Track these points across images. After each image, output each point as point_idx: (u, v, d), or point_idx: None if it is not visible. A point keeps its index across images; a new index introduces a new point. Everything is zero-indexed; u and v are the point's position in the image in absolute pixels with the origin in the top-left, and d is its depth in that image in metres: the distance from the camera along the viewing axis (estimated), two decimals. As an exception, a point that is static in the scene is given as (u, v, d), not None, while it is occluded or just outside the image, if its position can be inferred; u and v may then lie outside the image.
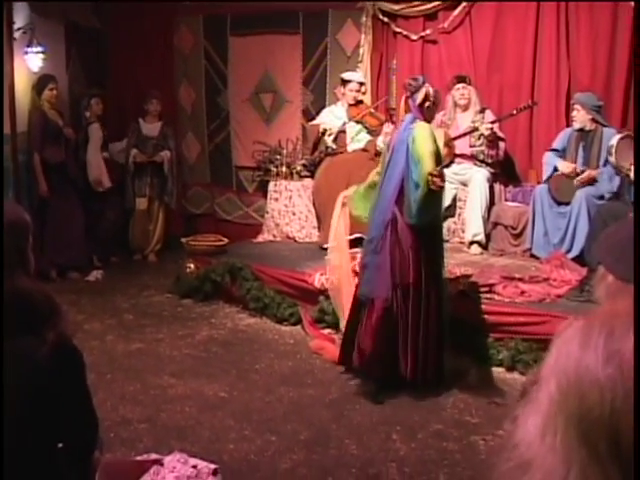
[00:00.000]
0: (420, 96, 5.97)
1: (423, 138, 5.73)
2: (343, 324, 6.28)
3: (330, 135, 8.69)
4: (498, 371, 6.30)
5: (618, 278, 1.74)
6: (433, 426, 5.27)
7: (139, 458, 2.76)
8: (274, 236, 9.39)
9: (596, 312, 1.09)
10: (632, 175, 6.42)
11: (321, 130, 8.74)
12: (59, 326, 2.47)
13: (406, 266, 5.75)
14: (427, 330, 5.81)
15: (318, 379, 6.11)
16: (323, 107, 9.66)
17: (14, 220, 2.49)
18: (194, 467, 2.66)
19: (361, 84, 8.83)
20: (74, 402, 2.55)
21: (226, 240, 8.74)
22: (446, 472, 4.65)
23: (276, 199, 9.44)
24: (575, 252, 7.63)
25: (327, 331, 7.14)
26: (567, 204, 7.73)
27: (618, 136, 6.72)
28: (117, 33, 10.49)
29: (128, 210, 9.97)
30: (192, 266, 8.38)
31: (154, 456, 2.73)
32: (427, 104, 5.98)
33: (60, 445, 2.57)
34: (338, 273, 6.91)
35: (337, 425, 5.28)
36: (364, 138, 8.78)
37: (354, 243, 8.20)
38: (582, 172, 7.72)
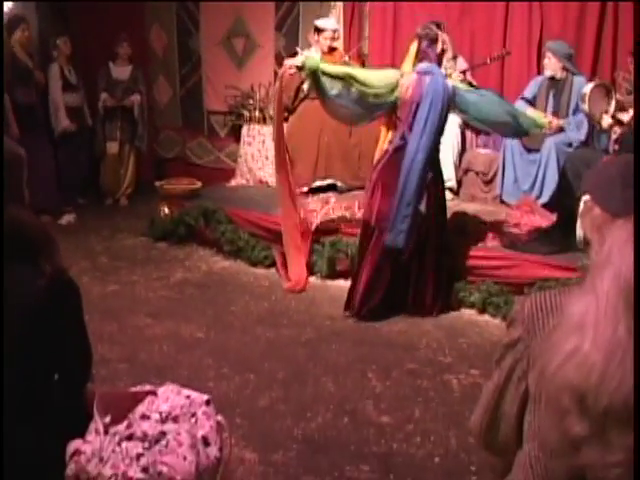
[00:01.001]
0: (440, 45, 6.04)
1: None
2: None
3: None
4: (470, 313, 6.42)
5: (605, 211, 1.81)
6: (407, 365, 5.39)
7: (133, 389, 2.82)
8: (247, 180, 9.43)
9: None
10: (603, 123, 6.50)
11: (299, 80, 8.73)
12: (55, 258, 2.51)
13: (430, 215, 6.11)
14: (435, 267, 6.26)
15: (294, 320, 6.20)
16: (295, 52, 9.62)
17: (8, 154, 2.52)
18: (187, 397, 2.72)
19: (335, 31, 8.81)
20: (70, 333, 2.59)
21: (200, 184, 8.75)
22: (421, 408, 4.77)
23: (249, 143, 9.45)
24: (545, 198, 7.73)
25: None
26: (537, 151, 7.82)
27: (591, 84, 6.78)
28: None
29: (98, 154, 9.93)
30: (166, 209, 8.40)
31: (148, 387, 2.80)
32: (444, 52, 6.08)
33: (56, 376, 2.62)
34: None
35: (313, 364, 5.38)
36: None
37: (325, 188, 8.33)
38: (551, 121, 7.79)
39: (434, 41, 6.09)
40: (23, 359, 2.46)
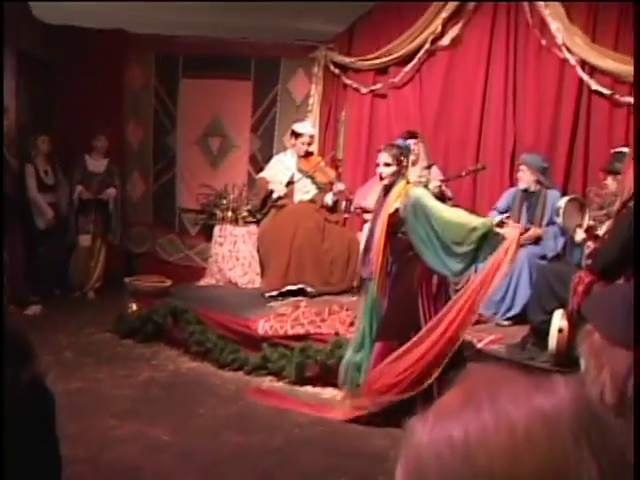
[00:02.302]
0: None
1: None
2: None
3: (277, 194, 8.76)
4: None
5: (605, 338, 1.80)
6: (378, 477, 5.28)
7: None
8: (217, 280, 9.37)
9: None
10: (577, 237, 6.58)
11: (269, 189, 8.79)
12: (33, 366, 2.45)
13: None
14: None
15: (263, 425, 6.09)
16: (270, 154, 9.75)
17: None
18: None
19: (312, 136, 8.92)
20: (43, 443, 2.52)
21: (169, 282, 8.70)
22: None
23: (221, 243, 9.43)
24: (516, 310, 7.74)
25: (269, 378, 7.17)
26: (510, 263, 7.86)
27: (566, 198, 6.89)
28: (67, 65, 10.33)
29: (70, 246, 9.86)
30: (134, 306, 8.33)
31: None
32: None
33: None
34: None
35: (283, 472, 5.28)
36: (311, 190, 8.86)
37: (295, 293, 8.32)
38: (527, 230, 7.87)
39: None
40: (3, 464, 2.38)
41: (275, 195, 8.72)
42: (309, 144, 8.84)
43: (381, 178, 6.32)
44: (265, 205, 8.85)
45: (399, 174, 6.25)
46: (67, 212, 9.79)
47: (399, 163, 6.25)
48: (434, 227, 6.00)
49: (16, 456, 2.40)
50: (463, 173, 8.28)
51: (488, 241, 5.91)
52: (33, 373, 2.39)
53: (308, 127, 8.99)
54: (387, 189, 6.30)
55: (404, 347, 6.04)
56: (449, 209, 6.43)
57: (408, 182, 6.30)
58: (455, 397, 0.96)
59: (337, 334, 7.11)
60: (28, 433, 2.42)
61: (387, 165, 6.24)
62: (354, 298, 8.26)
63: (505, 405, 0.90)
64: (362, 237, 7.95)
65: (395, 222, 6.17)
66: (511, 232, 5.96)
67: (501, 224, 5.92)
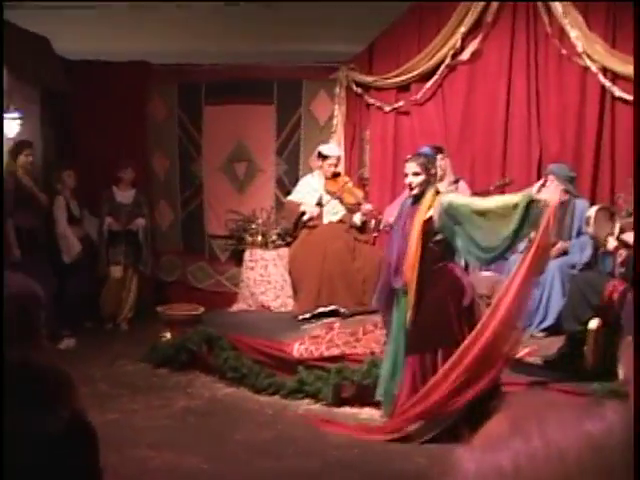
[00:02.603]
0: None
1: None
2: None
3: (309, 216, 8.78)
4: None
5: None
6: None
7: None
8: (249, 305, 9.38)
9: None
10: (609, 246, 6.54)
11: (300, 212, 8.81)
12: (73, 402, 2.45)
13: None
14: None
15: (299, 449, 6.07)
16: (297, 176, 9.79)
17: (24, 293, 2.48)
18: None
19: (338, 158, 8.94)
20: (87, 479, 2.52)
21: (202, 309, 8.71)
22: None
23: (252, 268, 9.45)
24: (549, 321, 7.73)
25: (306, 401, 7.15)
26: (540, 273, 7.82)
27: (595, 208, 6.86)
28: (90, 99, 10.45)
29: (100, 278, 9.90)
30: (167, 335, 8.34)
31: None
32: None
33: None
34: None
35: None
36: (339, 211, 8.88)
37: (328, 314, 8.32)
38: (554, 244, 7.84)
39: None
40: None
41: (307, 216, 8.74)
42: (336, 166, 8.86)
43: (410, 188, 6.28)
44: (297, 227, 8.87)
45: (428, 183, 6.24)
46: (97, 244, 9.83)
47: (427, 171, 6.23)
48: (473, 221, 5.98)
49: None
50: (491, 188, 8.28)
51: (530, 215, 5.86)
52: (74, 408, 2.39)
53: (334, 149, 9.01)
54: (416, 199, 6.28)
55: (441, 373, 5.99)
56: (484, 198, 6.47)
57: (438, 192, 6.27)
58: (502, 425, 0.95)
59: (373, 353, 7.10)
60: (73, 469, 2.42)
61: (415, 174, 6.21)
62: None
63: (554, 433, 0.89)
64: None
65: (428, 231, 6.14)
66: (551, 197, 5.96)
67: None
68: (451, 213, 6.02)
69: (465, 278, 6.40)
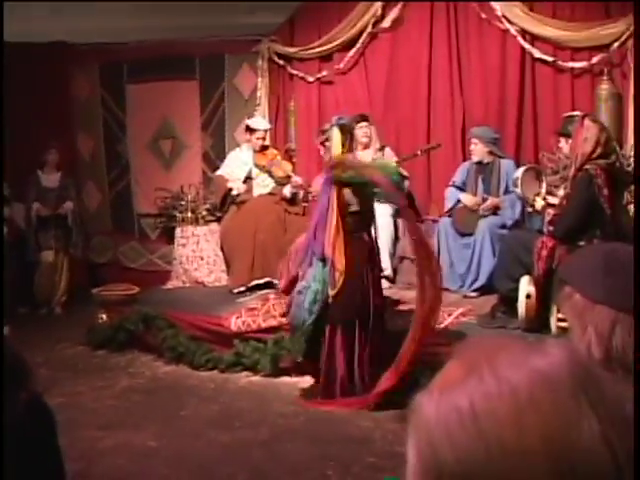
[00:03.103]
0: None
1: None
2: None
3: (236, 192, 8.79)
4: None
5: (586, 297, 1.86)
6: (366, 459, 5.36)
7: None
8: (183, 282, 9.38)
9: None
10: (537, 205, 6.69)
11: (227, 187, 8.80)
12: (30, 384, 2.47)
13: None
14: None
15: (246, 420, 6.13)
16: (223, 151, 9.78)
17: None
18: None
19: (266, 130, 8.96)
20: (46, 461, 2.54)
21: (137, 289, 8.68)
22: (386, 503, 4.75)
23: (183, 245, 9.44)
24: (482, 281, 7.88)
25: (244, 374, 7.21)
26: (470, 235, 7.98)
27: (522, 168, 7.01)
28: (11, 82, 10.29)
29: (30, 263, 9.79)
30: (104, 316, 8.30)
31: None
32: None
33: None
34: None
35: (272, 464, 5.33)
36: (269, 184, 8.90)
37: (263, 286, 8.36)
38: (485, 200, 8.00)
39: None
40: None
41: (234, 192, 8.74)
42: (264, 139, 8.88)
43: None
44: (225, 203, 8.87)
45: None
46: (26, 229, 9.72)
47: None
48: None
49: (23, 476, 2.42)
50: (418, 152, 8.37)
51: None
52: (31, 391, 2.41)
53: (262, 122, 9.02)
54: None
55: (405, 346, 6.11)
56: None
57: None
58: (457, 369, 1.00)
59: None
60: (34, 451, 2.44)
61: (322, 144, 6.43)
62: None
63: (505, 371, 0.95)
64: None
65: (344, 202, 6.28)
66: None
67: None
68: None
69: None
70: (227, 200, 8.84)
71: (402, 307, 7.46)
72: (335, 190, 6.20)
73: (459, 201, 8.15)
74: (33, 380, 2.51)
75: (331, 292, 6.22)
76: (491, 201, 7.96)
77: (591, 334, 1.80)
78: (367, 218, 6.44)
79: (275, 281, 8.38)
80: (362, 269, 6.31)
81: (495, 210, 7.98)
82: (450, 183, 8.33)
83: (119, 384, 7.16)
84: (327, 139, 6.43)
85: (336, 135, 6.33)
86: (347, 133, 6.42)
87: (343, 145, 6.36)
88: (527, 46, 8.37)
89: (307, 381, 6.90)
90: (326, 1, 9.42)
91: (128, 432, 5.95)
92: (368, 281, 6.33)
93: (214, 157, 9.99)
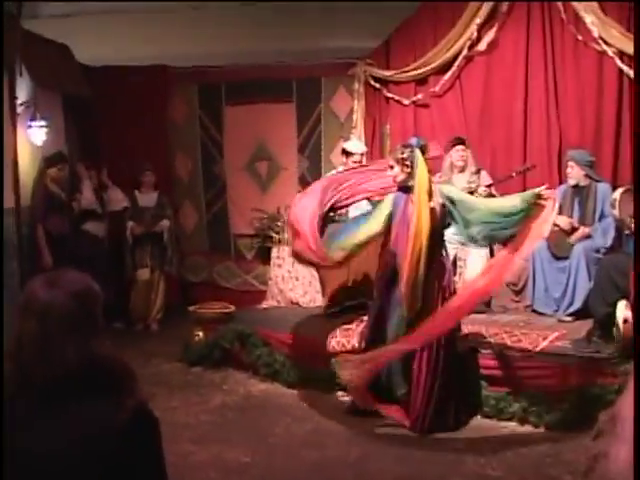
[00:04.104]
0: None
1: None
2: None
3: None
4: (511, 425, 6.40)
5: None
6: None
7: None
8: (278, 302, 9.49)
9: None
10: (633, 227, 6.60)
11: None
12: (136, 392, 2.53)
13: None
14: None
15: (338, 440, 6.17)
16: (319, 173, 9.85)
17: (84, 289, 2.56)
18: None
19: (362, 154, 9.00)
20: (150, 470, 2.59)
21: (233, 307, 8.80)
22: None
23: (279, 265, 9.55)
24: (577, 305, 7.80)
25: (340, 393, 7.21)
26: (566, 258, 7.91)
27: (620, 190, 6.93)
28: (111, 104, 10.54)
29: (128, 281, 10.01)
30: (200, 334, 8.43)
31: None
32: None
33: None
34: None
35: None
36: (365, 206, 8.92)
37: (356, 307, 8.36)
38: (577, 229, 7.93)
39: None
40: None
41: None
42: (360, 162, 8.91)
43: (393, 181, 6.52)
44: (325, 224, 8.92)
45: (409, 176, 6.37)
46: (123, 248, 9.96)
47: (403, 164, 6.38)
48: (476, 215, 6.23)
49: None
50: (513, 174, 8.35)
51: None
52: (137, 399, 2.48)
53: (359, 145, 9.04)
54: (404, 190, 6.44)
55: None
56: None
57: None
58: None
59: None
60: (140, 457, 2.49)
61: (390, 168, 6.49)
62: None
63: None
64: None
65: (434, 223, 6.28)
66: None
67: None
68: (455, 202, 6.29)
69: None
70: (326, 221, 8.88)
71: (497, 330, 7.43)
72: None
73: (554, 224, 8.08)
74: (139, 387, 2.57)
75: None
76: (582, 230, 7.88)
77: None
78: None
79: (369, 302, 8.41)
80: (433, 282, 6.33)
81: (588, 237, 7.90)
82: (545, 206, 8.26)
83: (213, 400, 7.27)
84: (406, 159, 6.38)
85: (420, 157, 6.33)
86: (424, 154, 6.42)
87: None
88: (625, 67, 8.28)
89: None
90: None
91: (220, 447, 6.05)
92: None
93: (310, 179, 10.03)
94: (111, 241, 9.96)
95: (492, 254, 8.54)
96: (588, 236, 7.88)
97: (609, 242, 7.74)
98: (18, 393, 2.42)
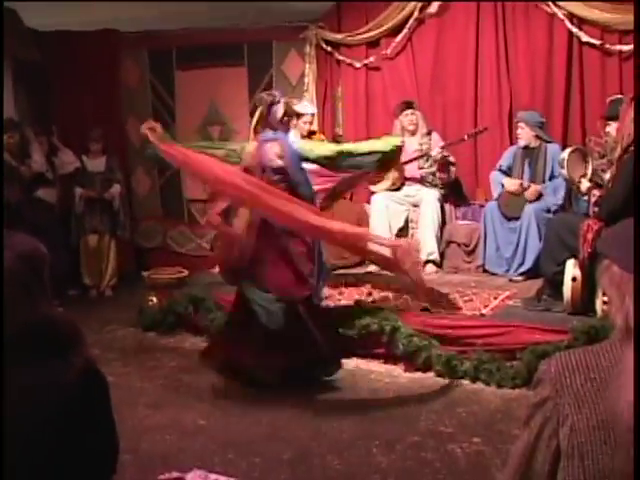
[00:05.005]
0: (280, 110, 6.28)
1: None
2: None
3: None
4: (463, 383, 6.49)
5: (623, 268, 1.89)
6: (410, 438, 5.42)
7: (161, 477, 2.85)
8: (231, 265, 9.46)
9: None
10: (582, 187, 6.69)
11: None
12: (84, 351, 2.55)
13: None
14: None
15: (292, 399, 6.21)
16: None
17: (32, 251, 2.56)
18: (217, 481, 2.75)
19: (313, 115, 9.01)
20: (100, 425, 2.61)
21: (186, 272, 8.81)
22: (429, 480, 4.81)
23: (232, 228, 9.52)
24: (527, 265, 7.91)
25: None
26: (516, 219, 8.00)
27: (568, 150, 6.99)
28: (61, 67, 10.48)
29: (75, 247, 9.93)
30: (154, 299, 8.43)
31: (175, 474, 2.82)
32: (286, 118, 6.43)
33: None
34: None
35: (317, 443, 5.40)
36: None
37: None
38: (528, 187, 8.01)
39: (271, 106, 6.35)
40: (52, 454, 2.46)
41: None
42: (311, 123, 8.93)
43: None
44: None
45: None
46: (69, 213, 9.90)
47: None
48: None
49: (78, 441, 2.49)
50: (465, 137, 8.42)
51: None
52: (85, 357, 2.50)
53: (309, 107, 9.06)
54: None
55: None
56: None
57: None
58: None
59: (358, 304, 7.21)
60: (89, 415, 2.51)
61: None
62: (369, 269, 8.42)
63: None
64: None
65: None
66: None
67: None
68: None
69: None
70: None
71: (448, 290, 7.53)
72: None
73: (503, 185, 8.17)
74: (87, 346, 2.59)
75: None
76: (533, 188, 7.97)
77: (629, 304, 1.83)
78: None
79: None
80: None
81: (540, 195, 7.98)
82: (496, 167, 8.35)
83: (168, 365, 7.27)
84: None
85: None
86: None
87: None
88: (574, 30, 8.35)
89: (353, 362, 6.96)
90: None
91: (176, 410, 6.07)
92: None
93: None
94: (62, 207, 9.84)
95: (443, 216, 8.67)
96: (540, 194, 7.97)
97: (560, 200, 7.85)
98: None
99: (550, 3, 8.36)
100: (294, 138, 8.87)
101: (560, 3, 8.31)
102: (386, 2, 9.33)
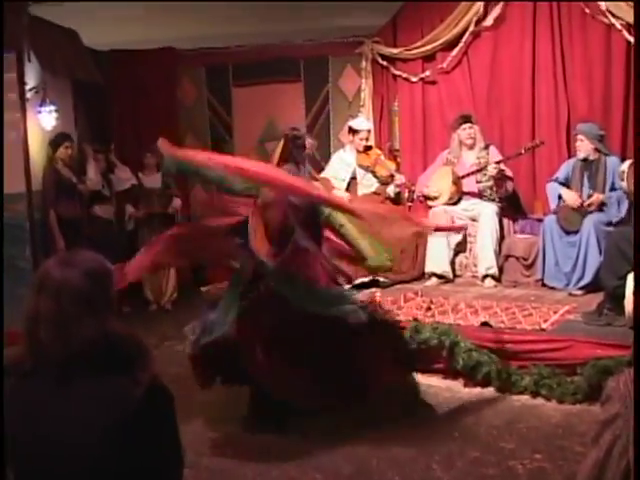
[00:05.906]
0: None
1: None
2: None
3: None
4: (523, 398, 6.43)
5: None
6: (470, 453, 5.38)
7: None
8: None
9: None
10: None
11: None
12: (150, 367, 2.57)
13: None
14: None
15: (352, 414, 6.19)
16: (328, 152, 9.88)
17: (97, 267, 2.60)
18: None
19: (369, 131, 9.03)
20: (166, 441, 2.63)
21: (244, 287, 8.83)
22: (491, 497, 4.77)
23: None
24: (587, 279, 7.82)
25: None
26: (576, 232, 7.92)
27: (628, 162, 6.93)
28: (120, 88, 10.64)
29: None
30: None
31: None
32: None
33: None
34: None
35: (377, 459, 5.39)
36: (373, 183, 9.00)
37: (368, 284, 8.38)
38: (590, 196, 7.93)
39: (301, 146, 6.35)
40: (118, 470, 2.49)
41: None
42: (367, 139, 8.96)
43: None
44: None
45: None
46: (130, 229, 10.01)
47: None
48: None
49: (144, 457, 2.52)
50: (522, 151, 8.40)
51: None
52: (151, 374, 2.52)
53: (364, 123, 9.09)
54: None
55: None
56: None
57: None
58: None
59: (415, 320, 7.18)
60: (155, 432, 2.53)
61: None
62: (427, 284, 8.40)
63: None
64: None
65: None
66: None
67: None
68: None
69: None
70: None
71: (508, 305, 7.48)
72: None
73: (561, 197, 8.10)
74: (152, 364, 2.61)
75: None
76: (596, 197, 7.89)
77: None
78: None
79: (381, 279, 8.45)
80: None
81: (601, 207, 7.89)
82: (552, 178, 8.29)
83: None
84: None
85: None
86: None
87: None
88: (632, 40, 8.26)
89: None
90: (427, 0, 9.43)
91: (235, 427, 6.09)
92: None
93: (319, 158, 10.08)
94: (119, 223, 9.99)
95: (502, 230, 8.62)
96: (601, 206, 7.88)
97: (623, 213, 7.75)
98: (35, 372, 2.48)
99: (608, 14, 8.28)
100: (349, 153, 8.94)
101: (618, 14, 8.22)
102: (441, 15, 9.33)
